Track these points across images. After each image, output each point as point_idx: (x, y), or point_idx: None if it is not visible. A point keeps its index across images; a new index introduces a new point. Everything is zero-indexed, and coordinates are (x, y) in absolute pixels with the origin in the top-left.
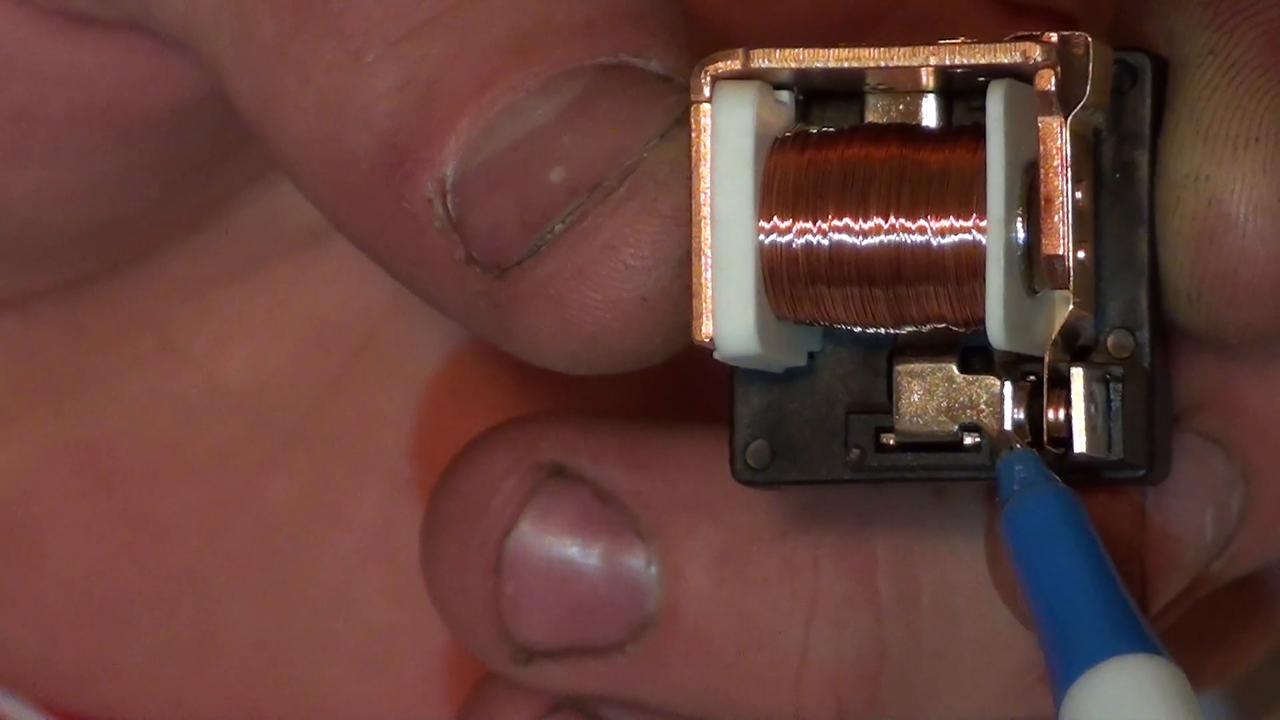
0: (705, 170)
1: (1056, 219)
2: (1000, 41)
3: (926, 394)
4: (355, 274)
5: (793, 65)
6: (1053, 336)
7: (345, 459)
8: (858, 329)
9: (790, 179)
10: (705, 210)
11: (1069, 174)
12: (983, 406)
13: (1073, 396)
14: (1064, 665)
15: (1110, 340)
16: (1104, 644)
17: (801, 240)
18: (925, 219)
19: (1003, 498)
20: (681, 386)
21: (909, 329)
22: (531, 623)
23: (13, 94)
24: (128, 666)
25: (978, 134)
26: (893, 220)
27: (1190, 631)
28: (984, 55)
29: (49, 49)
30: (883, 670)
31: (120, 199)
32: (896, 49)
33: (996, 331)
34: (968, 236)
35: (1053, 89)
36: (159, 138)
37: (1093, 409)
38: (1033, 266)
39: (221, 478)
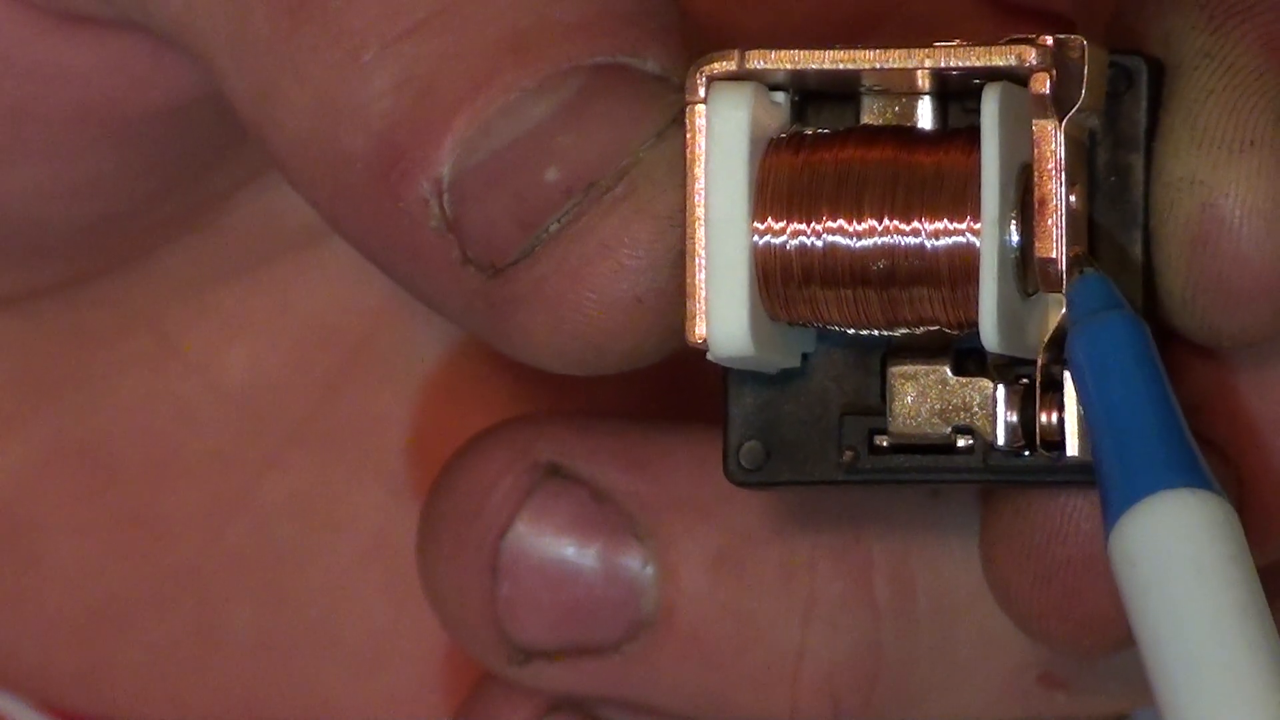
0: (700, 171)
1: (1050, 222)
2: (996, 44)
3: (920, 396)
4: (355, 274)
5: (788, 66)
6: (1046, 339)
7: (344, 459)
8: (851, 331)
9: (785, 180)
10: (699, 211)
11: (1063, 177)
12: (976, 409)
13: (1066, 400)
14: (1121, 492)
15: None
16: (1161, 476)
17: (795, 241)
18: (919, 221)
19: (1073, 318)
20: (678, 386)
21: (903, 331)
22: (528, 623)
23: (9, 92)
24: (128, 666)
25: (973, 136)
26: (887, 222)
27: None
28: (979, 58)
29: (46, 47)
30: (879, 671)
31: (117, 197)
32: (892, 51)
33: (990, 334)
34: (961, 239)
35: (1047, 92)
36: (156, 136)
37: None
38: (1026, 269)
39: (221, 478)
